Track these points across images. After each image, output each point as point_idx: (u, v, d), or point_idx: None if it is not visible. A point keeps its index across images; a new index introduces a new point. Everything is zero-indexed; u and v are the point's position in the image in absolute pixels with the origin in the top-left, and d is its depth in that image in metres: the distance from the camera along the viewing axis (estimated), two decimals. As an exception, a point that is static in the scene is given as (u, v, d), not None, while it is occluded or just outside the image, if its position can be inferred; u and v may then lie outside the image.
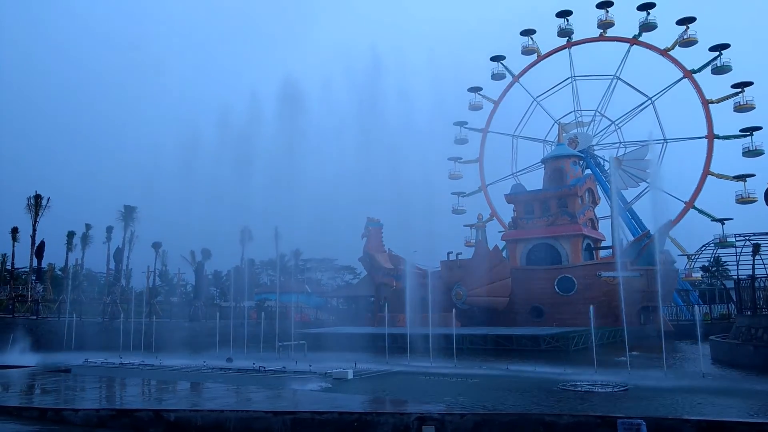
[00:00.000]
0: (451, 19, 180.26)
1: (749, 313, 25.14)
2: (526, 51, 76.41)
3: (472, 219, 68.75)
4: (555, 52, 75.38)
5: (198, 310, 49.26)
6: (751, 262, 51.99)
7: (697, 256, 67.22)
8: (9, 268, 58.24)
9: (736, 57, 65.46)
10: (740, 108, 63.50)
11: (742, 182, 62.13)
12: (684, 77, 66.15)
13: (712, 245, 65.32)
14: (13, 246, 55.64)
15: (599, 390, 16.42)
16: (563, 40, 74.71)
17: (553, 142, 67.39)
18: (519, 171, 75.05)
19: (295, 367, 22.14)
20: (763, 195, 31.78)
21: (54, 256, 62.37)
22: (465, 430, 10.09)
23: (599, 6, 70.80)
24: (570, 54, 74.02)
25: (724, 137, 63.97)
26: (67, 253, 59.07)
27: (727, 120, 64.70)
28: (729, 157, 64.22)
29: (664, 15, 68.38)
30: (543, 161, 57.09)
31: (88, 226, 61.18)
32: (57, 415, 11.96)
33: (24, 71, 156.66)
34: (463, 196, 77.19)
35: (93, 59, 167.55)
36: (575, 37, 74.02)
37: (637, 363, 23.52)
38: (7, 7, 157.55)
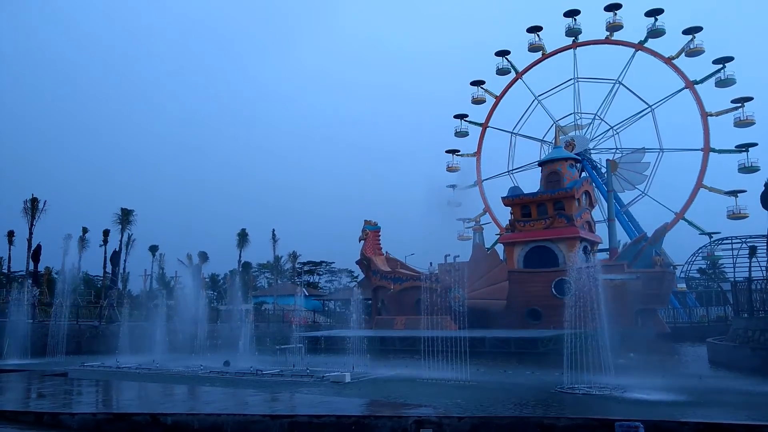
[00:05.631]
0: (461, 15, 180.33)
1: (746, 315, 25.19)
2: (533, 48, 76.40)
3: (466, 212, 68.84)
4: (560, 52, 75.32)
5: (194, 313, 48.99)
6: (748, 265, 52.24)
7: (689, 265, 67.35)
8: (5, 271, 58.07)
9: (742, 70, 65.56)
10: (740, 123, 63.56)
11: (734, 197, 62.13)
12: (685, 87, 66.07)
13: (700, 257, 65.40)
14: (10, 249, 55.58)
15: (597, 393, 16.43)
16: (569, 40, 74.44)
17: (550, 142, 67.47)
18: (515, 169, 75.23)
19: (292, 371, 22.11)
20: (755, 207, 31.91)
21: (51, 260, 62.32)
22: (463, 434, 10.05)
23: (607, 9, 70.73)
24: (575, 55, 74.02)
25: (720, 151, 63.90)
26: (63, 257, 58.94)
27: (727, 133, 64.65)
28: (725, 170, 64.30)
29: (673, 22, 68.43)
30: (540, 163, 57.22)
31: (84, 230, 61.17)
32: (53, 420, 11.89)
33: (23, 75, 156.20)
34: (458, 189, 77.40)
35: (93, 58, 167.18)
36: (582, 38, 73.84)
37: (634, 365, 23.53)
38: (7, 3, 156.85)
